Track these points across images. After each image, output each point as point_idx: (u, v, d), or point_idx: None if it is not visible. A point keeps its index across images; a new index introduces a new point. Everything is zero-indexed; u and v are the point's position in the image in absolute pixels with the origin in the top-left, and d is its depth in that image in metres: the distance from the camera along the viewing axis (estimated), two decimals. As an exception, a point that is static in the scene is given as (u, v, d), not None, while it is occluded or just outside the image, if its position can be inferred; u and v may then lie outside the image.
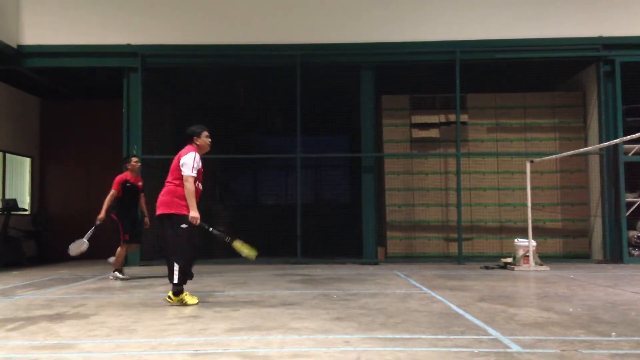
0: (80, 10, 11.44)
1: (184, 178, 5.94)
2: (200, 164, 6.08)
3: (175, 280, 5.87)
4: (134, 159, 8.87)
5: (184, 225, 5.93)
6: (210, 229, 6.10)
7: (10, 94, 12.97)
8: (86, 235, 8.54)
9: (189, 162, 5.97)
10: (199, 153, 6.17)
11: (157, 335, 4.44)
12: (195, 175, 5.99)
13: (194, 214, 5.93)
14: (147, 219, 8.88)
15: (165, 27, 11.43)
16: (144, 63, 11.30)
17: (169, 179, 6.13)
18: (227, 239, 6.03)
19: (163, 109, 13.48)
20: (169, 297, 5.97)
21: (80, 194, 13.99)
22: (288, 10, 11.56)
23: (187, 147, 6.22)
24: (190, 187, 5.92)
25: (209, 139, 6.35)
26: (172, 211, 5.96)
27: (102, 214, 8.51)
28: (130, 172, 8.74)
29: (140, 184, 8.92)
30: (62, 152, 14.15)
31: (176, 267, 5.86)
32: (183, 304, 5.93)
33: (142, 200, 9.00)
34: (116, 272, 8.61)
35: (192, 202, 5.94)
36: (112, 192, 8.56)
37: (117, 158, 11.71)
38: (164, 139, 13.09)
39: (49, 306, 6.03)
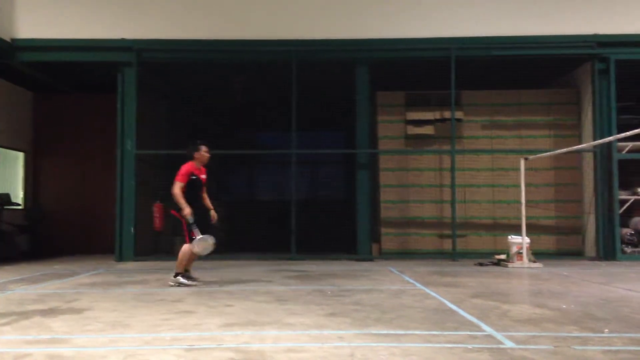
0: (75, 4, 11.37)
1: None
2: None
3: None
4: (204, 148, 7.44)
5: None
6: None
7: (3, 88, 12.88)
8: (199, 236, 7.20)
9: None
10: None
11: (151, 330, 4.43)
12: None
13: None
14: (213, 213, 7.60)
15: (160, 21, 11.38)
16: (139, 58, 11.24)
17: None
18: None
19: (158, 104, 13.45)
20: None
21: (74, 188, 13.93)
22: (284, 6, 11.53)
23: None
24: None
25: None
26: None
27: (187, 209, 7.08)
28: (197, 162, 7.40)
29: (204, 176, 7.54)
30: (56, 147, 14.08)
31: None
32: None
33: (205, 193, 7.67)
34: (179, 277, 7.20)
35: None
36: (180, 184, 7.16)
37: (111, 153, 11.67)
38: (158, 134, 13.07)
39: (42, 301, 6.01)
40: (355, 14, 11.40)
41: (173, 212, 7.38)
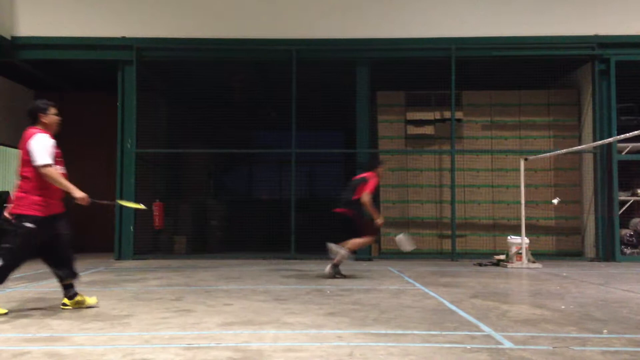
0: (75, 2, 11.38)
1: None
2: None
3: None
4: (382, 168, 8.57)
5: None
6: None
7: (3, 86, 12.88)
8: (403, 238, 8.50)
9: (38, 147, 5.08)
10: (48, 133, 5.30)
11: (150, 329, 4.43)
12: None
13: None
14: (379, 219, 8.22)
15: (161, 20, 11.38)
16: (139, 56, 11.25)
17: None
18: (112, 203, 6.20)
19: (158, 102, 13.45)
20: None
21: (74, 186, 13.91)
22: (284, 5, 11.53)
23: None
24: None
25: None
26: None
27: (380, 219, 8.26)
28: (379, 177, 8.35)
29: None
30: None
31: None
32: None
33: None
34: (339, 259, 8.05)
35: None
36: (369, 195, 7.91)
37: (111, 151, 11.66)
38: (158, 132, 13.06)
39: (42, 299, 6.02)
40: (356, 14, 11.40)
41: (346, 212, 8.15)
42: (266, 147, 16.66)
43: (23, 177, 5.18)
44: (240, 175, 17.36)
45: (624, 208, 11.13)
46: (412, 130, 12.05)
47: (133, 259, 10.88)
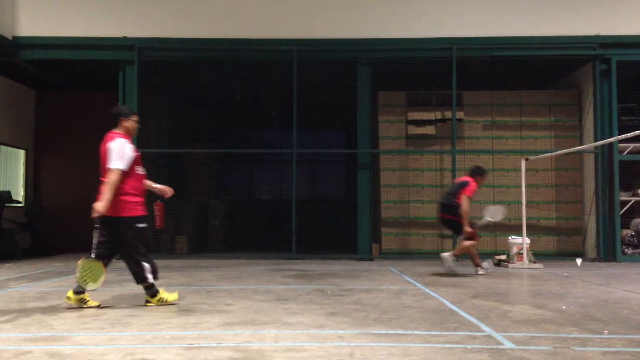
0: (77, 1, 11.38)
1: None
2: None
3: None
4: (483, 180, 8.82)
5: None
6: None
7: (5, 86, 12.90)
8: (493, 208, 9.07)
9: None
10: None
11: (150, 329, 4.44)
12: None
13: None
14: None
15: (162, 20, 11.38)
16: (140, 56, 11.25)
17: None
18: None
19: (159, 102, 13.46)
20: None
21: (75, 186, 13.93)
22: (285, 5, 11.52)
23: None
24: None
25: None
26: None
27: (469, 229, 8.39)
28: (478, 185, 8.59)
29: None
30: (57, 145, 14.10)
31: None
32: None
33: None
34: (478, 268, 8.47)
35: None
36: (468, 200, 8.29)
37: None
38: (159, 132, 13.07)
39: (43, 298, 6.02)
40: (357, 14, 11.40)
41: (451, 217, 8.47)
42: (267, 147, 16.67)
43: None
44: (241, 175, 17.37)
45: (625, 208, 11.11)
46: (413, 130, 12.04)
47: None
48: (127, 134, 5.62)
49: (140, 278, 5.51)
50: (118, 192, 5.31)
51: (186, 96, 13.69)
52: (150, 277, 5.50)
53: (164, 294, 5.61)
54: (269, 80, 13.07)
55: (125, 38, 11.22)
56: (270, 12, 11.46)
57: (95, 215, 5.24)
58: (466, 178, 8.67)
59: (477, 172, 8.70)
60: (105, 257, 5.53)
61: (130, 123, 5.68)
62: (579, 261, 8.37)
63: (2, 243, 11.37)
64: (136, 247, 5.46)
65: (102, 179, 5.37)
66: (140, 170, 5.59)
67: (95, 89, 13.68)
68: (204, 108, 13.79)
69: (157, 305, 5.51)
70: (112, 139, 5.44)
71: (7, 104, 12.95)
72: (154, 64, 11.70)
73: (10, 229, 11.90)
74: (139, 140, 11.16)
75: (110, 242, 5.52)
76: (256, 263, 10.35)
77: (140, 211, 5.49)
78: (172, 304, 5.58)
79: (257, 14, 11.45)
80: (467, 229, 8.32)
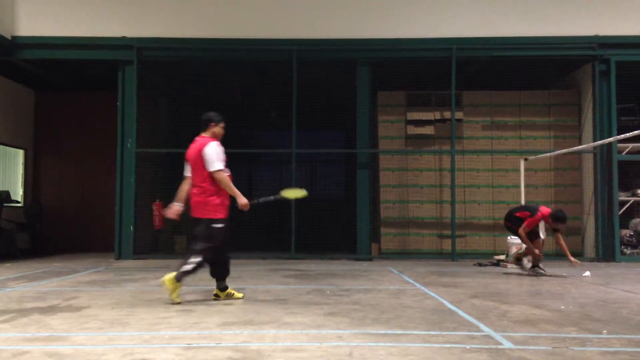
0: (76, 1, 11.37)
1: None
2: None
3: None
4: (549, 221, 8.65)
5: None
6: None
7: (4, 86, 12.88)
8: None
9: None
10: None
11: (149, 329, 4.43)
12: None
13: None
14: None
15: (161, 20, 11.38)
16: (140, 56, 11.25)
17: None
18: (272, 198, 6.12)
19: (158, 102, 13.44)
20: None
21: (74, 186, 13.95)
22: (285, 5, 11.52)
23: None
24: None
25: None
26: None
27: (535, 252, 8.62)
28: (536, 222, 8.60)
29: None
30: (56, 145, 14.09)
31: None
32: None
33: None
34: (536, 267, 8.65)
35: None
36: (525, 230, 8.42)
37: (111, 151, 11.66)
38: (158, 132, 13.06)
39: (41, 298, 6.01)
40: (357, 14, 11.39)
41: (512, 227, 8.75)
42: (266, 147, 16.65)
43: (200, 183, 5.73)
44: (240, 175, 17.36)
45: (624, 208, 11.12)
46: (413, 130, 12.05)
47: (133, 259, 10.88)
48: (215, 139, 5.92)
49: (181, 275, 5.68)
50: (206, 193, 5.68)
51: (185, 96, 13.66)
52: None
53: (232, 290, 6.01)
54: (268, 80, 13.06)
55: (124, 38, 11.21)
56: (269, 12, 11.46)
57: (246, 208, 5.73)
58: (533, 214, 8.52)
59: (554, 217, 8.41)
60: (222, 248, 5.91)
61: (218, 129, 6.02)
62: (587, 274, 8.44)
63: (1, 243, 11.36)
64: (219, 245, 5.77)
65: (197, 182, 5.73)
66: (227, 172, 5.89)
67: (94, 89, 13.67)
68: (203, 108, 13.77)
69: (224, 299, 5.90)
70: (206, 143, 5.74)
71: (6, 104, 12.94)
72: (153, 64, 11.68)
73: (9, 229, 11.89)
74: (138, 140, 11.21)
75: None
76: (255, 263, 10.35)
77: (222, 213, 5.79)
78: (238, 298, 5.94)
79: (256, 14, 11.44)
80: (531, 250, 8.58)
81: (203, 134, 5.95)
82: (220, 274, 5.96)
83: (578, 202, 11.83)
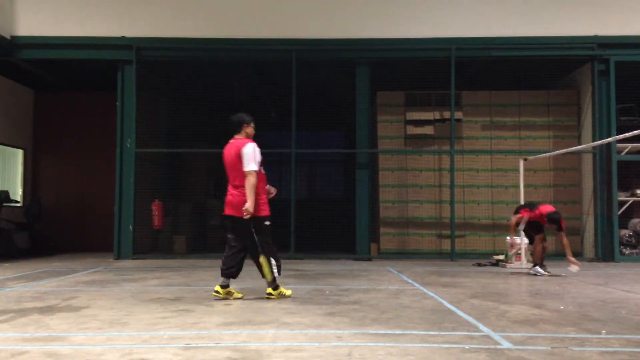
0: (75, 1, 11.37)
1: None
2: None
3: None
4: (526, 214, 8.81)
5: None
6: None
7: (3, 85, 12.88)
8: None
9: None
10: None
11: (148, 329, 4.43)
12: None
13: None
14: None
15: (161, 19, 11.38)
16: (139, 55, 11.24)
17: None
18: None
19: (157, 102, 13.44)
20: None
21: (73, 186, 13.94)
22: (284, 5, 11.52)
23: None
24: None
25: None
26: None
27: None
28: (521, 218, 8.80)
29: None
30: (55, 144, 14.08)
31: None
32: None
33: None
34: (537, 267, 8.64)
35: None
36: (517, 220, 8.77)
37: (111, 151, 11.66)
38: (157, 132, 13.05)
39: (40, 298, 6.01)
40: (356, 14, 11.40)
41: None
42: (266, 147, 16.61)
43: (242, 184, 5.79)
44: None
45: (623, 208, 11.13)
46: (412, 130, 12.05)
47: (132, 259, 10.88)
48: (250, 139, 6.04)
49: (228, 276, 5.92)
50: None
51: (185, 96, 13.67)
52: (276, 272, 5.92)
53: (282, 288, 6.11)
54: (267, 80, 13.06)
55: (123, 38, 11.21)
56: (269, 12, 11.46)
57: (247, 216, 5.65)
58: (529, 210, 8.73)
59: (549, 218, 8.57)
60: (244, 250, 6.01)
61: (250, 129, 6.15)
62: (573, 268, 8.45)
63: (0, 243, 11.35)
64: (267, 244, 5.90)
65: (238, 182, 5.82)
66: (263, 171, 6.05)
67: (93, 89, 13.67)
68: (203, 107, 13.77)
69: (277, 297, 5.98)
70: (243, 144, 5.84)
71: (5, 104, 12.93)
72: (153, 64, 11.67)
73: (8, 229, 11.88)
74: (137, 140, 11.21)
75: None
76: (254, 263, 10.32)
77: (267, 210, 5.93)
78: (237, 298, 5.98)
79: (256, 13, 11.44)
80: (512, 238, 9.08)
81: (237, 136, 6.06)
82: (231, 273, 5.97)
83: (577, 202, 11.84)
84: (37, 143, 14.15)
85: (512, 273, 8.95)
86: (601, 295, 6.36)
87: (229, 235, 5.97)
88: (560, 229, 8.54)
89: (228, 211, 5.91)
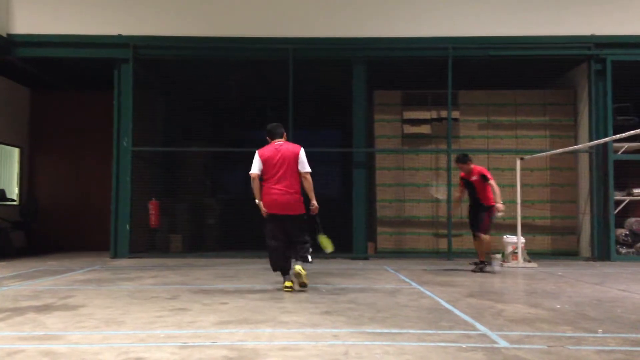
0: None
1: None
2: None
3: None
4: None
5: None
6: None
7: (-1, 84, 12.86)
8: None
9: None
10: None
11: (145, 328, 4.43)
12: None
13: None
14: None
15: (158, 18, 11.35)
16: (135, 54, 11.21)
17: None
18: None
19: (154, 100, 13.41)
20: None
21: (70, 185, 13.91)
22: (281, 3, 11.51)
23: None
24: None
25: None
26: None
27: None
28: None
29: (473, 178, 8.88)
30: (52, 143, 14.05)
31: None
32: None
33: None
34: (484, 265, 8.76)
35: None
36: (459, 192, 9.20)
37: (107, 149, 11.63)
38: (154, 131, 13.04)
39: (37, 297, 6.00)
40: (353, 13, 11.39)
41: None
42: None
43: (297, 183, 6.59)
44: (236, 174, 17.33)
45: (619, 208, 11.15)
46: (409, 129, 12.05)
47: (129, 258, 10.85)
48: (293, 143, 6.83)
49: (306, 259, 6.62)
50: (299, 192, 6.56)
51: (181, 94, 13.64)
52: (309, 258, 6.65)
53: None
54: (264, 79, 13.04)
55: (120, 36, 11.19)
56: (266, 10, 11.44)
57: (316, 212, 6.73)
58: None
59: (456, 159, 8.95)
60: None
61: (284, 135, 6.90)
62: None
63: (-3, 242, 11.33)
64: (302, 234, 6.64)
65: (294, 182, 6.53)
66: None
67: (90, 88, 13.63)
68: (200, 106, 13.76)
69: (305, 279, 6.54)
70: (297, 148, 6.69)
71: (1, 102, 12.88)
72: (149, 62, 11.65)
73: (4, 228, 11.85)
74: (134, 138, 11.18)
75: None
76: (251, 262, 10.33)
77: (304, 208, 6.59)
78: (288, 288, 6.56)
79: (253, 12, 11.43)
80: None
81: (278, 140, 6.78)
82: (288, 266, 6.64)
83: (574, 201, 11.86)
84: (34, 141, 14.12)
85: (508, 272, 8.95)
86: (597, 294, 6.37)
87: (282, 232, 6.55)
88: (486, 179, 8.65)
89: (285, 211, 6.47)
